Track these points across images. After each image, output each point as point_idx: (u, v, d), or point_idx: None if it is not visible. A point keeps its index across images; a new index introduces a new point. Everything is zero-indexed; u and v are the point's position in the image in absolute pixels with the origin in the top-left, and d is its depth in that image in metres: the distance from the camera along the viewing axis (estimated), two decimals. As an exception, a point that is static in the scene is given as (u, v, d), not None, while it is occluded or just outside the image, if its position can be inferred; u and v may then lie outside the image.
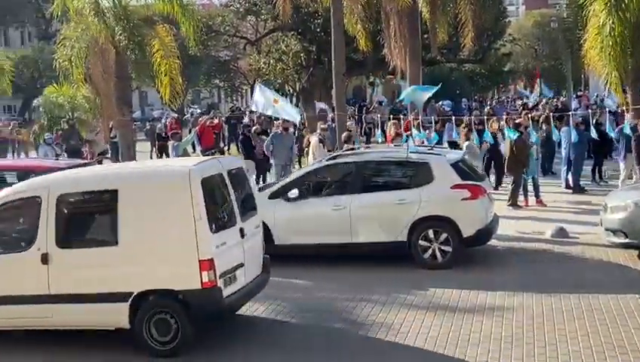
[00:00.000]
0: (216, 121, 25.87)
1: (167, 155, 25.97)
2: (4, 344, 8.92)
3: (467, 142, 16.30)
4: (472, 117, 20.07)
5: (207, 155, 22.24)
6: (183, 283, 8.16)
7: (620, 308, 9.38)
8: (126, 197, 8.34)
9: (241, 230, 8.86)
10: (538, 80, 39.53)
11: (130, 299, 8.24)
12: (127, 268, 8.27)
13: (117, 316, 8.34)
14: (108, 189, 8.57)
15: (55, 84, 23.94)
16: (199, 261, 8.04)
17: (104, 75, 16.04)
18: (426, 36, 24.10)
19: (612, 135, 17.31)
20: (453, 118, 19.23)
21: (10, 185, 13.95)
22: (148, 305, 8.27)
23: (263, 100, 19.75)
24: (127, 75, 16.94)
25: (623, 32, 15.14)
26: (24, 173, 14.18)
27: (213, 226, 8.29)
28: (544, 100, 33.88)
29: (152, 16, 16.95)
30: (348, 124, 19.94)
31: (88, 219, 9.08)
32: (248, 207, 9.40)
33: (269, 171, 20.13)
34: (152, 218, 8.28)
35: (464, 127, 17.18)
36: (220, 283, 8.21)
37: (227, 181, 8.89)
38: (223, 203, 8.91)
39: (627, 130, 16.11)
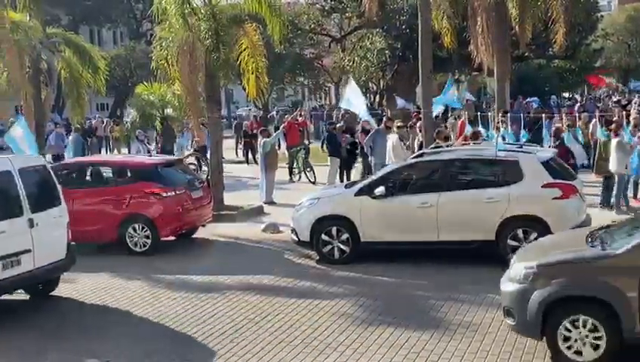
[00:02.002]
0: (301, 118, 26.14)
1: (254, 152, 26.43)
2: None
3: (617, 138, 15.63)
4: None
5: (293, 152, 22.59)
6: None
7: None
8: None
9: (30, 220, 9.98)
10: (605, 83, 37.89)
11: None
12: None
13: None
14: None
15: (145, 83, 24.65)
16: None
17: (193, 74, 16.39)
18: (513, 32, 23.61)
19: None
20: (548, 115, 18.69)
21: (106, 180, 14.66)
22: None
23: (354, 98, 19.63)
24: (216, 73, 17.25)
25: None
26: (119, 169, 14.82)
27: None
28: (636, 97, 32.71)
29: (241, 15, 17.20)
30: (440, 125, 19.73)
31: None
32: (45, 200, 10.51)
33: (354, 168, 20.20)
34: None
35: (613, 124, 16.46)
36: None
37: (16, 178, 9.97)
38: (7, 196, 9.97)
39: None
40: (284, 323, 9.38)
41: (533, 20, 22.87)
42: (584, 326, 7.38)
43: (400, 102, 28.44)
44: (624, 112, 18.53)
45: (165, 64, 17.00)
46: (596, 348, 7.36)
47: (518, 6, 22.40)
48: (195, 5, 17.25)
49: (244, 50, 17.04)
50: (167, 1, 16.65)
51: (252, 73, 17.11)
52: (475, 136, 16.89)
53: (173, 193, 13.86)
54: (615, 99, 36.60)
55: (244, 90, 18.63)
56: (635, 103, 29.41)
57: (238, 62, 17.15)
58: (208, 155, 19.24)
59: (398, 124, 18.55)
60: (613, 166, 15.51)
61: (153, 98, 23.43)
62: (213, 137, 18.15)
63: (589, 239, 8.07)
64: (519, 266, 7.98)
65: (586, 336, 7.37)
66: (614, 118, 16.95)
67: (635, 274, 7.21)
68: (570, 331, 7.43)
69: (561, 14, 21.81)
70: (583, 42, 37.42)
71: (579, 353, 7.42)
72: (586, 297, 7.46)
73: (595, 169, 16.59)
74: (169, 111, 23.35)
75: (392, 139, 17.55)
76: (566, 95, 49.36)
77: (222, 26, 16.87)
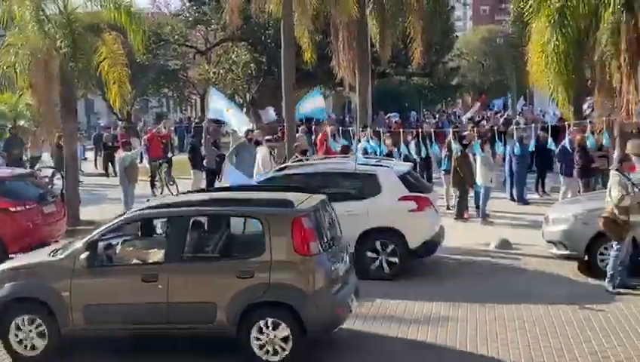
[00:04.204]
0: (164, 130, 25.60)
1: (114, 165, 25.65)
2: None
3: (483, 154, 16.40)
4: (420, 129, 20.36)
5: (155, 165, 22.08)
6: None
7: (560, 318, 9.60)
8: None
9: None
10: (478, 103, 40.09)
11: None
12: None
13: None
14: None
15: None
16: None
17: (49, 83, 15.73)
18: (374, 49, 24.35)
19: (553, 148, 17.73)
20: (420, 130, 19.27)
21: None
22: None
23: (217, 107, 19.36)
24: (72, 83, 16.62)
25: (567, 49, 15.52)
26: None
27: None
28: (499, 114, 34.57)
29: (99, 24, 16.69)
30: (300, 135, 19.91)
31: None
32: None
33: (220, 181, 19.94)
34: None
35: (480, 138, 17.25)
36: None
37: None
38: None
39: (567, 145, 16.61)
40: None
41: (392, 38, 23.73)
42: (31, 323, 8.53)
43: (271, 113, 28.44)
44: (476, 128, 19.54)
45: (13, 72, 16.18)
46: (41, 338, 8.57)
47: (378, 24, 23.18)
48: (50, 12, 16.58)
49: (104, 59, 16.56)
50: (20, 7, 15.92)
51: (114, 83, 16.65)
52: (345, 151, 17.23)
53: (23, 208, 13.22)
54: (469, 116, 38.41)
55: (106, 100, 18.07)
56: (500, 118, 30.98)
57: (98, 71, 16.64)
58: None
59: (267, 137, 18.58)
60: (479, 179, 16.32)
61: (4, 108, 22.24)
62: (68, 149, 17.44)
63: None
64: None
65: (30, 331, 8.53)
66: (465, 133, 17.82)
67: (66, 276, 8.44)
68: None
69: (419, 33, 22.77)
70: (440, 60, 39.15)
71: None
72: (31, 298, 8.61)
73: (452, 181, 17.30)
74: (22, 122, 22.25)
75: (262, 151, 17.50)
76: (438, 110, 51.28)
77: (79, 34, 16.31)
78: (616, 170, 10.95)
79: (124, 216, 9.28)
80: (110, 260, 8.88)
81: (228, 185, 13.52)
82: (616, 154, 15.47)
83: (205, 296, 8.21)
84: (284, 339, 8.04)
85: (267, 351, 8.07)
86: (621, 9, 14.65)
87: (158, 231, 9.49)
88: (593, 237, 11.60)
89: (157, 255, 8.75)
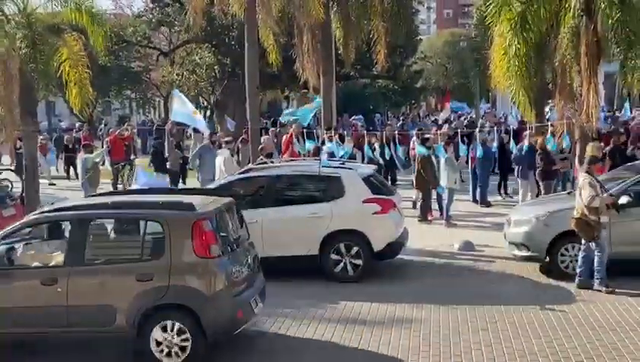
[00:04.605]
0: (127, 133, 25.31)
1: (75, 167, 25.32)
2: None
3: (446, 156, 16.53)
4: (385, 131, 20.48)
5: (117, 168, 21.83)
6: None
7: (522, 319, 9.70)
8: None
9: None
10: (448, 103, 40.50)
11: None
12: None
13: None
14: None
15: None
16: None
17: (7, 84, 15.42)
18: (339, 52, 24.39)
19: (514, 151, 17.95)
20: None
21: None
22: None
23: (182, 110, 19.21)
24: (32, 84, 16.31)
25: (529, 53, 15.70)
26: None
27: None
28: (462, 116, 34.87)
29: (60, 25, 16.42)
30: (265, 138, 19.83)
31: None
32: None
33: (184, 183, 19.83)
34: None
35: (444, 140, 17.38)
36: None
37: None
38: None
39: (524, 148, 16.88)
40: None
41: (357, 41, 23.75)
42: None
43: (229, 124, 28.34)
44: (439, 131, 19.74)
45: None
46: None
47: (342, 27, 23.21)
48: (9, 12, 16.28)
49: (65, 60, 16.30)
50: (-22, 7, 15.61)
51: (75, 84, 16.39)
52: (316, 152, 17.20)
53: (-19, 211, 12.96)
54: (433, 119, 38.76)
55: (67, 102, 17.80)
56: (454, 121, 31.23)
57: (59, 73, 16.38)
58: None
59: (226, 139, 18.44)
60: (443, 181, 16.44)
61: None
62: (27, 152, 17.12)
63: None
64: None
65: None
66: (428, 136, 17.97)
67: None
68: None
69: (383, 36, 22.84)
70: (404, 63, 39.41)
71: None
72: None
73: (415, 183, 17.41)
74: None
75: (223, 154, 17.41)
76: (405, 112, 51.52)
77: (39, 34, 16.03)
78: (586, 171, 11.08)
79: (25, 219, 9.25)
80: (11, 263, 8.83)
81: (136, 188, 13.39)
82: (576, 158, 15.74)
83: (104, 298, 8.20)
84: (184, 341, 8.09)
85: (167, 354, 8.09)
86: (581, 14, 14.87)
87: (64, 234, 9.27)
88: (554, 238, 11.78)
89: (57, 258, 8.71)
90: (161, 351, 8.10)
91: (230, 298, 8.25)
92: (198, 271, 8.18)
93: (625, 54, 14.82)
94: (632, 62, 14.73)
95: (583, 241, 11.05)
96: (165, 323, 8.10)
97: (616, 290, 10.72)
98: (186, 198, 8.97)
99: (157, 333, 8.08)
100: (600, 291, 10.77)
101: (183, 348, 8.10)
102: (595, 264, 10.93)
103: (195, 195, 9.37)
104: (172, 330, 8.09)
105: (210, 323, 8.06)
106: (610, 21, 14.55)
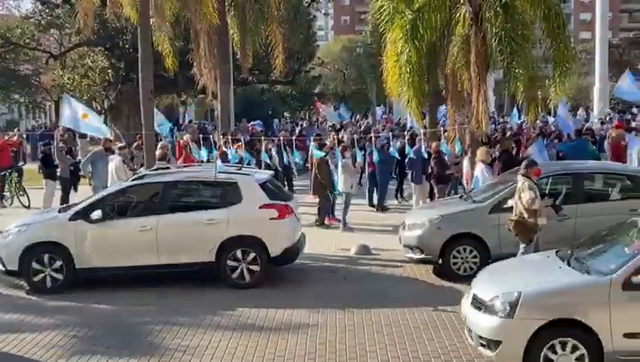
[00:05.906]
0: (15, 138, 24.28)
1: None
2: None
3: (343, 160, 16.60)
4: (282, 136, 20.49)
5: (4, 175, 20.86)
6: None
7: (416, 321, 9.91)
8: None
9: None
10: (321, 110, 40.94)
11: None
12: None
13: None
14: None
15: None
16: None
17: None
18: (237, 57, 24.26)
19: (411, 156, 18.35)
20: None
21: None
22: None
23: (71, 114, 18.55)
24: None
25: (420, 60, 16.04)
26: None
27: None
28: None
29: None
30: (161, 143, 19.43)
31: None
32: None
33: (75, 191, 19.14)
34: None
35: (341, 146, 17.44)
36: None
37: None
38: None
39: (416, 153, 17.33)
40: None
41: (254, 46, 23.70)
42: None
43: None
44: (337, 136, 19.95)
45: None
46: None
47: (239, 32, 23.09)
48: None
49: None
50: None
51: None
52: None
53: None
54: (330, 124, 39.09)
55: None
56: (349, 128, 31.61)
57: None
58: None
59: (120, 145, 17.94)
60: (340, 186, 16.58)
61: None
62: None
63: None
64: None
65: None
66: (326, 141, 18.14)
67: None
68: None
69: (280, 42, 22.89)
70: (302, 69, 39.55)
71: None
72: None
73: (313, 189, 17.50)
74: None
75: (115, 160, 16.95)
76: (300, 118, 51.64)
77: None
78: (523, 175, 11.24)
79: None
80: None
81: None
82: (466, 162, 16.23)
83: None
84: None
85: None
86: (471, 23, 15.35)
87: None
88: (447, 241, 12.12)
89: None
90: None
91: None
92: None
93: (508, 63, 15.37)
94: (516, 70, 15.26)
95: (521, 245, 11.07)
96: None
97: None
98: None
99: None
100: None
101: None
102: None
103: None
104: None
105: None
106: (494, 30, 15.09)
